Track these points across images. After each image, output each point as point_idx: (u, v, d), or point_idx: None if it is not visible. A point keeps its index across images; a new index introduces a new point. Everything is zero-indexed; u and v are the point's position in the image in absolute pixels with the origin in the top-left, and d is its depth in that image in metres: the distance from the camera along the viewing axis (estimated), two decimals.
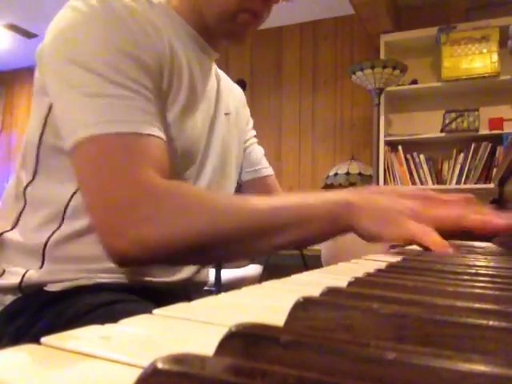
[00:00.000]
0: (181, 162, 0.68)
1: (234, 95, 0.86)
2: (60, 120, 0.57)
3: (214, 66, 0.81)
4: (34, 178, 0.66)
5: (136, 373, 0.11)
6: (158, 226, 0.52)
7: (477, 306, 0.20)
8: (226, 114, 0.80)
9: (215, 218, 0.53)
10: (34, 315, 0.62)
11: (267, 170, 0.91)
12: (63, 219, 0.64)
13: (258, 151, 0.92)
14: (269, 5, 0.69)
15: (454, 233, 0.55)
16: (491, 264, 0.44)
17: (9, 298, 0.64)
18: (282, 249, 0.63)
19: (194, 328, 0.19)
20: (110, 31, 0.57)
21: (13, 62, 4.49)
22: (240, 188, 0.88)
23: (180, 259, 0.57)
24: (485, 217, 0.53)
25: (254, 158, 0.90)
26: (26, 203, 0.67)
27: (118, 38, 0.57)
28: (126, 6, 0.60)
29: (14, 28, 3.83)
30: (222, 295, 0.26)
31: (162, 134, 0.58)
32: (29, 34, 3.88)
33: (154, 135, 0.56)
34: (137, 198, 0.52)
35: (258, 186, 0.89)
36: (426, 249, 0.52)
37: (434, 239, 0.49)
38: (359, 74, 2.61)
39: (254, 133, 0.93)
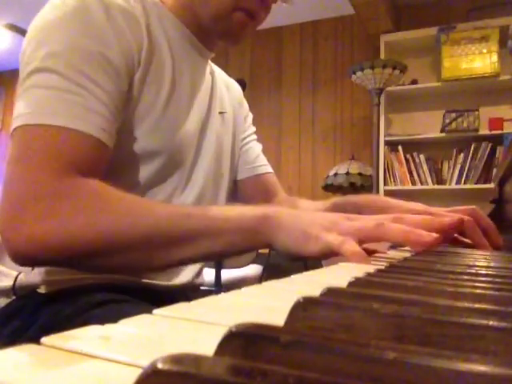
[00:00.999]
0: (167, 164, 0.67)
1: (230, 92, 0.85)
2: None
3: (210, 65, 0.80)
4: None
5: (136, 373, 0.11)
6: (56, 223, 0.50)
7: (477, 306, 0.20)
8: (221, 112, 0.78)
9: (117, 221, 0.51)
10: (28, 317, 0.61)
11: (265, 167, 0.88)
12: None
13: (256, 148, 0.89)
14: (266, 5, 0.68)
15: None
16: (491, 264, 0.43)
17: (2, 301, 0.64)
18: (192, 262, 0.60)
19: (194, 328, 0.19)
20: (79, 31, 0.57)
21: (13, 62, 4.49)
22: (235, 187, 0.86)
23: (77, 262, 0.53)
24: (407, 228, 0.48)
25: (251, 156, 0.87)
26: None
27: (84, 39, 0.57)
28: (104, 2, 0.59)
29: (14, 28, 3.83)
30: (222, 295, 0.26)
31: (103, 135, 0.55)
32: None
33: (86, 133, 0.54)
34: (38, 193, 0.50)
35: (256, 184, 0.86)
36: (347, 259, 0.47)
37: (351, 249, 0.45)
38: (359, 74, 2.61)
39: (253, 129, 0.91)
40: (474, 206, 0.63)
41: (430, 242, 0.47)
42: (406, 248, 0.61)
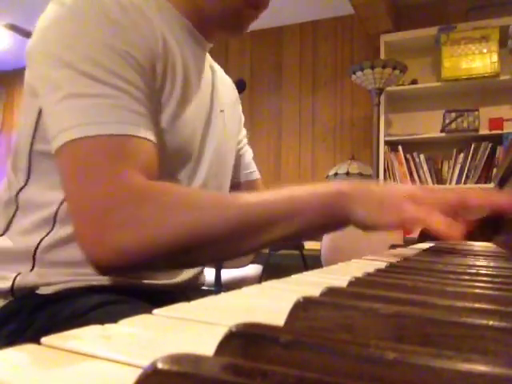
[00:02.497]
0: (175, 160, 0.66)
1: (227, 90, 0.85)
2: (46, 123, 0.55)
3: (209, 59, 0.79)
4: (26, 183, 0.64)
5: (136, 373, 0.11)
6: (137, 230, 0.49)
7: (477, 305, 0.20)
8: (222, 110, 0.78)
9: (199, 217, 0.51)
10: (26, 319, 0.61)
11: (257, 173, 0.91)
12: (54, 223, 0.62)
13: (250, 153, 0.91)
14: None
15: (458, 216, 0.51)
16: (491, 264, 0.43)
17: (0, 302, 0.63)
18: (276, 243, 0.61)
19: (194, 328, 0.19)
20: (99, 28, 0.55)
21: (13, 62, 4.49)
22: (238, 188, 0.88)
23: (165, 263, 0.54)
24: (489, 197, 0.50)
25: (245, 162, 0.89)
26: (17, 208, 0.65)
27: (107, 35, 0.55)
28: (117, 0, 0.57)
29: (14, 28, 3.83)
30: (222, 295, 0.26)
31: (149, 135, 0.55)
32: (29, 34, 3.87)
33: (138, 136, 0.53)
34: (113, 202, 0.50)
35: (248, 188, 0.89)
36: (431, 234, 0.48)
37: (439, 220, 0.45)
38: (359, 74, 2.61)
39: (245, 132, 0.92)
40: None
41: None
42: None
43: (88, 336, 0.17)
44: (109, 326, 0.18)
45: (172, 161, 0.66)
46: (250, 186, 0.90)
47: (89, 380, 0.13)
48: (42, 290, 0.62)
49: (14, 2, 3.46)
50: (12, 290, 0.62)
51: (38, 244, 0.62)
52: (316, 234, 0.58)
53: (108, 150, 0.51)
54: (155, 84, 0.61)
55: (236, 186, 0.87)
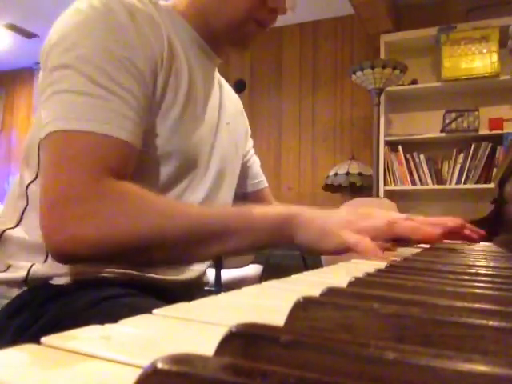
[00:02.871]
0: (182, 165, 0.68)
1: (233, 103, 0.87)
2: (42, 115, 0.58)
3: (217, 73, 0.82)
4: (36, 176, 0.67)
5: (136, 373, 0.11)
6: (97, 224, 0.52)
7: (477, 305, 0.20)
8: (227, 123, 0.80)
9: (159, 220, 0.54)
10: (39, 308, 0.63)
11: (263, 182, 0.95)
12: None
13: (257, 163, 0.95)
14: (275, 15, 0.70)
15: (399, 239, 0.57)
16: (491, 264, 0.44)
17: (15, 291, 0.65)
18: (224, 255, 0.66)
19: (194, 328, 0.19)
20: (105, 34, 0.58)
21: (13, 62, 4.49)
22: (245, 199, 0.91)
23: (122, 259, 0.57)
24: (416, 224, 0.55)
25: (256, 170, 0.93)
26: (28, 201, 0.68)
27: (111, 41, 0.58)
28: (128, 7, 0.60)
29: (14, 28, 3.83)
30: (222, 295, 0.26)
31: (132, 139, 0.58)
32: (29, 34, 3.88)
33: (117, 138, 0.56)
34: (79, 195, 0.53)
35: (257, 197, 0.93)
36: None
37: (366, 246, 0.50)
38: (359, 74, 2.61)
39: (252, 143, 0.95)
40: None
41: (436, 236, 0.53)
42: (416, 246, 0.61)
43: (88, 336, 0.17)
44: (109, 326, 0.18)
45: (179, 165, 0.68)
46: (258, 195, 0.93)
47: (89, 380, 0.13)
48: (55, 281, 0.64)
49: (14, 2, 3.46)
50: (26, 280, 0.64)
51: None
52: (263, 249, 0.62)
53: (84, 146, 0.55)
54: (156, 90, 0.63)
55: (243, 196, 0.91)
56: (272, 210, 0.60)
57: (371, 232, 0.53)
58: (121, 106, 0.57)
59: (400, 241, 0.57)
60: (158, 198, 0.57)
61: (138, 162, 0.61)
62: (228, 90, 0.87)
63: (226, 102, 0.81)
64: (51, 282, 0.64)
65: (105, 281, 0.64)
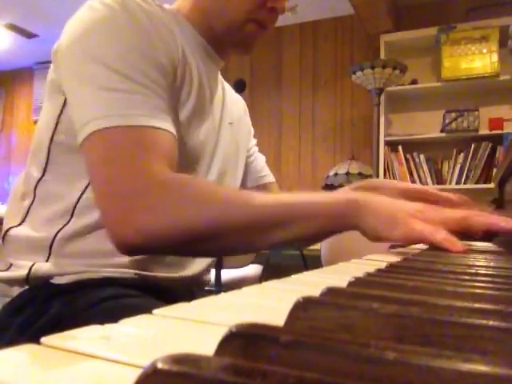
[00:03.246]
0: (189, 161, 0.69)
1: (236, 104, 0.88)
2: (74, 113, 0.58)
3: (219, 75, 0.82)
4: (43, 174, 0.68)
5: (136, 373, 0.11)
6: (164, 215, 0.53)
7: (477, 305, 0.20)
8: (230, 123, 0.81)
9: (222, 209, 0.54)
10: (41, 307, 0.63)
11: (270, 177, 0.94)
12: (72, 215, 0.65)
13: (260, 159, 0.94)
14: (275, 15, 0.71)
15: (457, 233, 0.56)
16: (491, 264, 0.44)
17: (16, 290, 0.66)
18: (288, 244, 0.64)
19: (194, 328, 0.19)
20: (130, 32, 0.59)
21: (13, 62, 4.49)
22: None
23: (187, 249, 0.58)
24: (489, 219, 0.54)
25: (257, 166, 0.93)
26: (34, 198, 0.68)
27: (136, 40, 0.59)
28: (142, 8, 0.62)
29: (14, 28, 3.83)
30: (222, 295, 0.26)
31: (173, 130, 0.59)
32: (29, 34, 3.88)
33: (164, 129, 0.57)
34: (143, 187, 0.53)
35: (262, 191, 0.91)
36: (437, 248, 0.52)
37: (443, 237, 0.50)
38: (359, 74, 2.61)
39: (255, 141, 0.96)
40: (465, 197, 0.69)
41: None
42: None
43: (88, 336, 0.17)
44: (109, 326, 0.18)
45: (187, 161, 0.69)
46: (265, 189, 0.92)
47: (89, 380, 0.13)
48: (56, 280, 0.64)
49: (14, 2, 3.46)
50: (27, 279, 0.64)
51: (55, 235, 0.65)
52: (325, 237, 0.61)
53: (135, 140, 0.55)
54: (175, 85, 0.65)
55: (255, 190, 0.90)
56: (334, 195, 0.58)
57: (442, 223, 0.52)
58: (158, 101, 0.58)
59: (469, 236, 0.56)
60: (219, 187, 0.58)
61: None
62: (230, 91, 0.88)
63: (228, 103, 0.82)
64: (52, 281, 0.64)
65: (105, 281, 0.64)
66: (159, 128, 0.56)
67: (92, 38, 0.58)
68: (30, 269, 0.64)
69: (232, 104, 0.85)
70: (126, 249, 0.54)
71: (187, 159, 0.68)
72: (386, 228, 0.53)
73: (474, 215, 0.54)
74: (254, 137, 0.96)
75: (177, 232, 0.53)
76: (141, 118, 0.55)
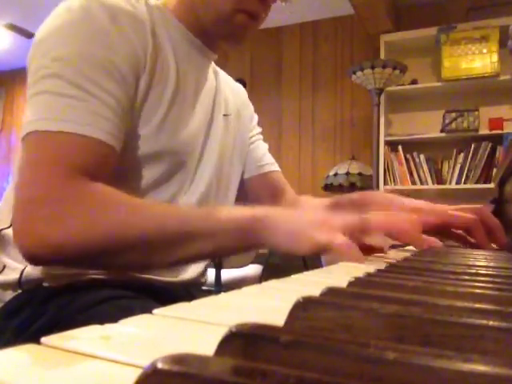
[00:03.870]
0: (171, 164, 0.68)
1: (235, 94, 0.86)
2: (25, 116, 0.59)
3: (213, 67, 0.81)
4: None
5: (136, 373, 0.11)
6: (63, 226, 0.52)
7: (477, 306, 0.20)
8: (225, 115, 0.79)
9: (117, 222, 0.53)
10: (34, 311, 0.62)
11: (271, 165, 0.90)
12: None
13: (261, 147, 0.90)
14: (266, 5, 0.69)
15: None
16: (491, 264, 0.44)
17: (9, 294, 0.65)
18: (188, 262, 0.64)
19: (194, 328, 0.19)
20: (87, 38, 0.58)
21: (13, 62, 4.49)
22: (244, 186, 0.87)
23: (83, 260, 0.56)
24: (387, 219, 0.53)
25: (256, 155, 0.88)
26: None
27: (93, 45, 0.58)
28: (108, 8, 0.60)
29: (14, 28, 3.83)
30: (222, 295, 0.26)
31: (109, 139, 0.57)
32: (29, 34, 3.88)
33: (96, 138, 0.56)
34: (48, 197, 0.52)
35: (262, 182, 0.88)
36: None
37: (339, 241, 0.47)
38: (359, 73, 2.61)
39: (259, 129, 0.92)
40: (481, 206, 0.66)
41: (415, 236, 0.51)
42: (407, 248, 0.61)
43: (88, 336, 0.17)
44: (109, 326, 0.18)
45: (171, 162, 0.67)
46: (266, 179, 0.88)
47: (89, 380, 0.13)
48: (51, 283, 0.63)
49: (14, 2, 3.46)
50: (20, 283, 0.64)
51: None
52: (230, 254, 0.59)
53: (59, 146, 0.55)
54: (138, 91, 0.63)
55: (254, 180, 0.87)
56: (237, 211, 0.56)
57: (343, 228, 0.49)
58: (100, 108, 0.57)
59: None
60: (126, 197, 0.55)
61: (122, 164, 0.61)
62: (229, 82, 0.86)
63: (223, 95, 0.80)
64: (45, 284, 0.63)
65: (100, 283, 0.63)
66: (88, 137, 0.55)
67: (49, 43, 0.59)
68: (22, 273, 0.63)
69: (230, 94, 0.83)
70: (28, 258, 0.54)
71: (170, 162, 0.67)
72: (289, 243, 0.51)
73: (373, 218, 0.52)
74: (259, 128, 0.94)
75: (75, 243, 0.52)
76: (70, 124, 0.55)
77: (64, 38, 0.58)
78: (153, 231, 0.53)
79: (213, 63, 0.80)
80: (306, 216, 0.53)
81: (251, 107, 0.92)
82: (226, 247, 0.55)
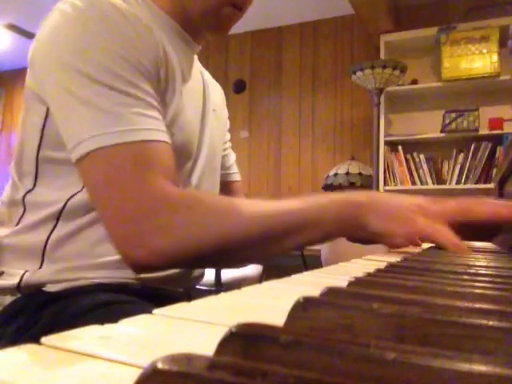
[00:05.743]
0: (178, 159, 0.67)
1: (216, 92, 0.86)
2: (64, 131, 0.56)
3: (196, 60, 0.80)
4: (34, 186, 0.66)
5: (136, 373, 0.11)
6: (173, 235, 0.53)
7: (477, 306, 0.20)
8: (214, 110, 0.80)
9: (231, 224, 0.54)
10: (33, 316, 0.62)
11: (237, 175, 0.93)
12: (59, 218, 0.64)
13: (232, 155, 0.93)
14: None
15: (463, 228, 0.54)
16: (491, 264, 0.44)
17: (7, 299, 0.64)
18: (299, 249, 0.65)
19: (194, 328, 0.19)
20: (108, 37, 0.56)
21: (13, 62, 4.49)
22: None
23: (196, 264, 0.59)
24: (492, 207, 0.52)
25: (227, 162, 0.91)
26: (25, 210, 0.66)
27: (116, 44, 0.56)
28: (116, 7, 0.58)
29: (13, 28, 3.83)
30: (222, 295, 0.26)
31: (167, 138, 0.58)
32: (29, 34, 3.88)
33: (160, 140, 0.56)
34: (151, 208, 0.53)
35: (226, 188, 0.90)
36: (439, 247, 0.51)
37: (445, 235, 0.48)
38: (359, 73, 2.61)
39: (229, 136, 0.94)
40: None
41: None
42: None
43: (88, 336, 0.17)
44: (109, 326, 0.18)
45: (177, 159, 0.67)
46: (230, 186, 0.91)
47: (89, 380, 0.13)
48: (49, 288, 0.63)
49: (14, 2, 3.46)
50: (19, 287, 0.63)
51: (47, 239, 0.63)
52: (330, 241, 0.61)
53: (133, 157, 0.54)
54: (160, 89, 0.63)
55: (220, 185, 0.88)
56: (338, 197, 0.57)
57: (445, 216, 0.50)
58: (146, 109, 0.56)
59: (473, 229, 0.54)
60: (225, 199, 0.58)
61: None
62: (209, 77, 0.86)
63: (210, 90, 0.80)
64: (44, 288, 0.62)
65: (99, 287, 0.63)
66: (155, 140, 0.55)
67: (67, 45, 0.56)
68: (22, 277, 0.62)
69: (213, 90, 0.83)
70: (141, 269, 0.55)
71: (178, 152, 0.65)
72: (388, 227, 0.52)
73: (476, 204, 0.52)
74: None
75: (189, 250, 0.53)
76: (135, 132, 0.54)
77: (84, 39, 0.56)
78: (268, 227, 0.55)
79: (196, 58, 0.80)
80: (404, 201, 0.54)
81: (226, 110, 0.93)
82: (328, 234, 0.56)
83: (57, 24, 0.58)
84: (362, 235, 0.56)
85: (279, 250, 0.57)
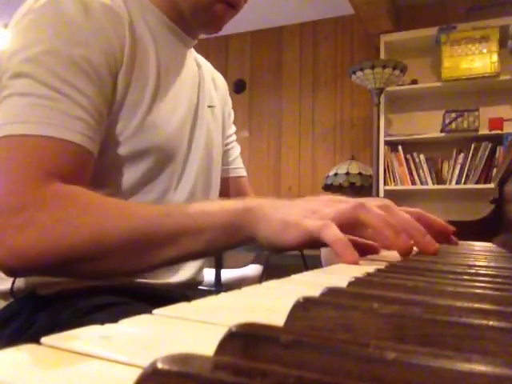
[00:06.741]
0: (161, 156, 0.66)
1: (217, 85, 0.85)
2: None
3: (194, 55, 0.79)
4: None
5: (136, 373, 0.11)
6: (37, 234, 0.49)
7: (477, 306, 0.20)
8: (210, 106, 0.78)
9: (96, 225, 0.50)
10: (27, 320, 0.61)
11: (242, 170, 0.90)
12: None
13: (236, 149, 0.90)
14: None
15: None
16: (491, 264, 0.44)
17: (1, 304, 0.64)
18: (178, 262, 0.59)
19: (194, 328, 0.19)
20: (57, 33, 0.56)
21: None
22: (226, 184, 0.86)
23: (61, 270, 0.53)
24: (388, 217, 0.46)
25: (231, 156, 0.88)
26: None
27: (63, 43, 0.55)
28: (82, 1, 0.58)
29: None
30: (222, 295, 0.26)
31: (85, 141, 0.55)
32: None
33: (68, 140, 0.53)
34: (18, 205, 0.50)
35: (231, 185, 0.87)
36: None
37: (332, 234, 0.42)
38: (359, 73, 2.61)
39: (234, 128, 0.91)
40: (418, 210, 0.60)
41: (403, 245, 0.45)
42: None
43: (88, 336, 0.17)
44: (109, 326, 0.18)
45: (157, 158, 0.65)
46: (235, 182, 0.88)
47: (89, 380, 0.13)
48: (42, 291, 0.62)
49: (14, 2, 3.45)
50: (12, 291, 0.62)
51: None
52: (219, 252, 0.55)
53: (30, 151, 0.52)
54: (117, 87, 0.60)
55: (223, 181, 0.85)
56: (228, 204, 0.51)
57: (337, 217, 0.44)
58: (72, 108, 0.54)
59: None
60: (102, 200, 0.52)
61: (105, 165, 0.59)
62: (211, 72, 0.84)
63: (206, 86, 0.78)
64: (38, 292, 0.62)
65: (93, 290, 0.62)
66: (60, 139, 0.52)
67: (17, 42, 0.56)
68: (13, 281, 0.62)
69: (212, 83, 0.82)
70: (3, 269, 0.51)
71: (161, 150, 0.65)
72: (278, 234, 0.46)
73: (372, 208, 0.45)
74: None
75: (52, 251, 0.49)
76: (40, 126, 0.52)
77: (32, 35, 0.56)
78: (135, 232, 0.50)
79: (194, 52, 0.79)
80: (296, 205, 0.49)
81: (230, 103, 0.90)
82: (217, 243, 0.51)
83: (18, 18, 0.60)
84: (264, 243, 0.49)
85: (165, 258, 0.51)
